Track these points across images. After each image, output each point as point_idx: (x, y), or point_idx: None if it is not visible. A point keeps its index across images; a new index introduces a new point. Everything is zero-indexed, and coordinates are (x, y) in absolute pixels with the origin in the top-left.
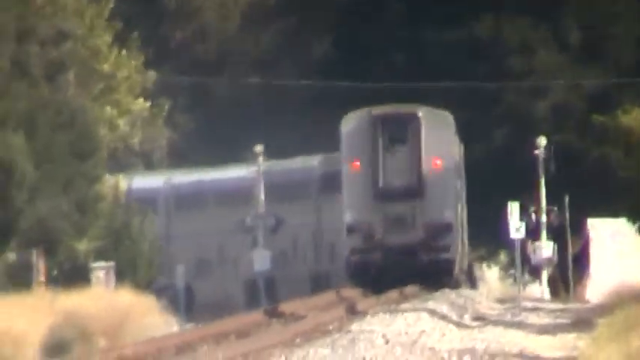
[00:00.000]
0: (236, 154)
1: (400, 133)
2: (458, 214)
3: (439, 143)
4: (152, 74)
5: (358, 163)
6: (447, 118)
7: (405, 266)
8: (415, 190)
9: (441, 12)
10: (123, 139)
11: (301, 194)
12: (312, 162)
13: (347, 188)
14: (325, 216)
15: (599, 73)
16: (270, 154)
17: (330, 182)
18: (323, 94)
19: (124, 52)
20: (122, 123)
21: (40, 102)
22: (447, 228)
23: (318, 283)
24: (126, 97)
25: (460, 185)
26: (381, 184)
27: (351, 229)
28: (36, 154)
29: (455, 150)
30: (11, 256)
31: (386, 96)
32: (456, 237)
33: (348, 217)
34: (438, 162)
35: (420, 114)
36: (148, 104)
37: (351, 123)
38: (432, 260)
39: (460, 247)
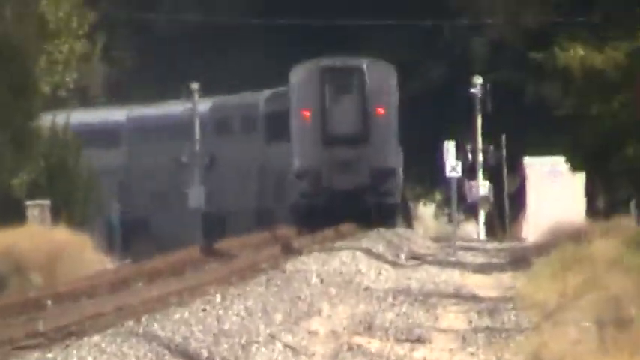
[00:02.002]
0: (173, 90)
1: (346, 84)
2: (399, 159)
3: (382, 93)
4: (91, 14)
5: (307, 112)
6: (389, 69)
7: (350, 210)
8: (360, 136)
9: None
10: (59, 77)
11: (247, 130)
12: (257, 98)
13: (296, 136)
14: (272, 154)
15: (537, 10)
16: (208, 90)
17: (278, 120)
18: (262, 30)
19: None
20: (58, 61)
21: None
22: (390, 173)
23: (263, 221)
24: (62, 37)
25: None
26: (328, 131)
27: (299, 175)
28: None
29: (395, 99)
30: None
31: (325, 32)
32: (399, 181)
33: (296, 164)
34: (381, 110)
35: (364, 65)
36: (81, 43)
37: (299, 74)
38: (376, 204)
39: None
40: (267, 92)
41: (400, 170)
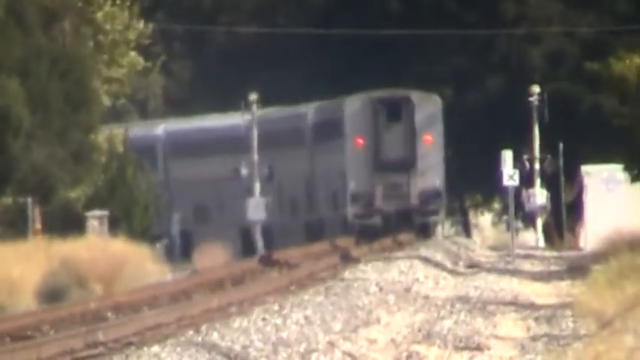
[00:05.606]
0: (232, 102)
1: (396, 114)
2: (443, 181)
3: (429, 122)
4: (147, 26)
5: (361, 140)
6: (435, 100)
7: (400, 228)
8: (409, 162)
9: None
10: (117, 89)
11: (295, 142)
12: (305, 110)
13: (350, 161)
14: (319, 163)
15: (594, 20)
16: (267, 102)
17: (324, 130)
18: (319, 42)
19: (117, 1)
20: (116, 73)
21: (35, 50)
22: (437, 195)
23: (313, 231)
24: (120, 49)
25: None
26: (380, 157)
27: (354, 198)
28: (31, 102)
29: (441, 127)
30: (6, 202)
31: (380, 42)
32: (443, 201)
33: (351, 187)
34: (429, 138)
35: (413, 97)
36: (141, 58)
37: (353, 105)
38: (423, 223)
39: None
40: (315, 104)
41: (444, 190)
